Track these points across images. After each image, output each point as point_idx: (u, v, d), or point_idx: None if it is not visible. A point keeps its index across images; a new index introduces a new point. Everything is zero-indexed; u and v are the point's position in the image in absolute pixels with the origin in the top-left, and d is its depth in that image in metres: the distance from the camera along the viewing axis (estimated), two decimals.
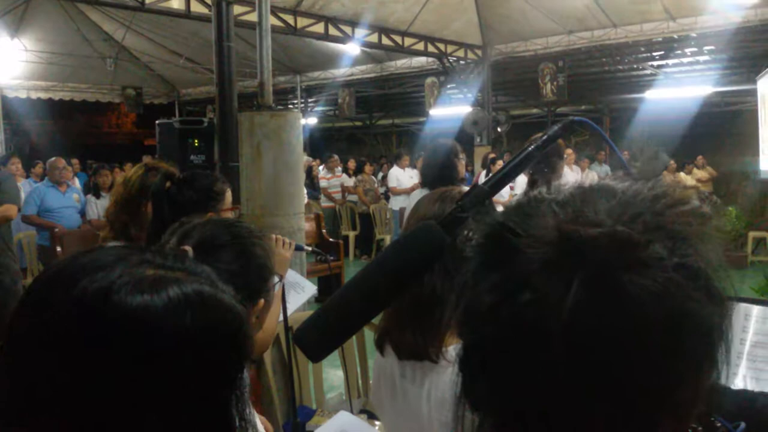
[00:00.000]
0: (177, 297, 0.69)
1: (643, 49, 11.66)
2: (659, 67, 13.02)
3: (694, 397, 0.52)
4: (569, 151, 9.53)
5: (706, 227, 0.54)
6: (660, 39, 10.65)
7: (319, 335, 0.91)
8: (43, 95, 14.16)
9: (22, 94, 13.75)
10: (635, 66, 12.95)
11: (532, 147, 1.03)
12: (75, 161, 10.91)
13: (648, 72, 13.24)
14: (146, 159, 11.66)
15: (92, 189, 7.94)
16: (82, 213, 7.34)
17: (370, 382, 3.26)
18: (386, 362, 1.52)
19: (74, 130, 22.27)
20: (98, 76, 13.99)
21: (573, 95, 13.29)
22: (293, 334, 1.07)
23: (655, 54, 12.17)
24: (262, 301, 1.42)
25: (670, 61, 12.61)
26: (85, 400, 0.64)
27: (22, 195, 7.30)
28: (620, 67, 12.95)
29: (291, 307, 2.62)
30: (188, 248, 1.29)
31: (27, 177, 8.95)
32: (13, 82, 13.18)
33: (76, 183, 8.75)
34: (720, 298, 0.53)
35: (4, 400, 0.68)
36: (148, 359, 0.66)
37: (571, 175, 8.74)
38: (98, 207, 7.60)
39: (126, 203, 2.49)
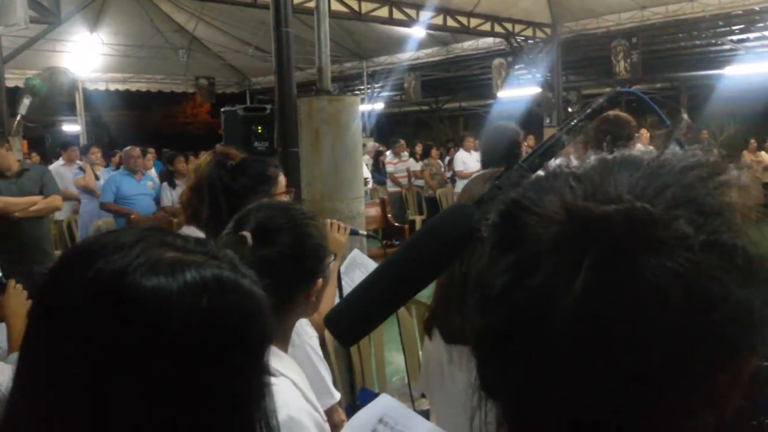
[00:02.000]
0: (194, 280, 0.68)
1: (721, 23, 11.10)
2: (739, 41, 12.39)
3: (731, 384, 0.48)
4: (643, 130, 9.20)
5: (744, 199, 0.50)
6: (740, 12, 10.12)
7: (350, 319, 0.90)
8: (121, 87, 14.66)
9: (101, 87, 14.27)
10: (713, 41, 12.37)
11: (576, 121, 0.99)
12: (151, 150, 11.27)
13: (727, 47, 12.63)
14: (219, 148, 11.92)
15: (167, 177, 8.20)
16: (157, 200, 7.58)
17: None
18: (434, 347, 1.51)
19: (151, 120, 23.08)
20: (172, 67, 14.38)
21: (647, 73, 12.83)
22: (324, 317, 1.07)
23: (734, 28, 11.58)
24: (320, 280, 1.43)
25: (750, 35, 11.98)
26: (98, 381, 0.65)
27: (102, 183, 7.63)
28: (697, 42, 12.41)
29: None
30: (247, 234, 1.30)
31: (106, 166, 9.31)
32: (92, 75, 13.69)
33: (153, 172, 9.04)
34: (765, 276, 0.47)
35: (27, 379, 0.69)
36: (162, 342, 0.66)
37: None
38: (172, 194, 7.83)
39: (197, 189, 2.56)
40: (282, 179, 2.42)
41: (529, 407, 0.51)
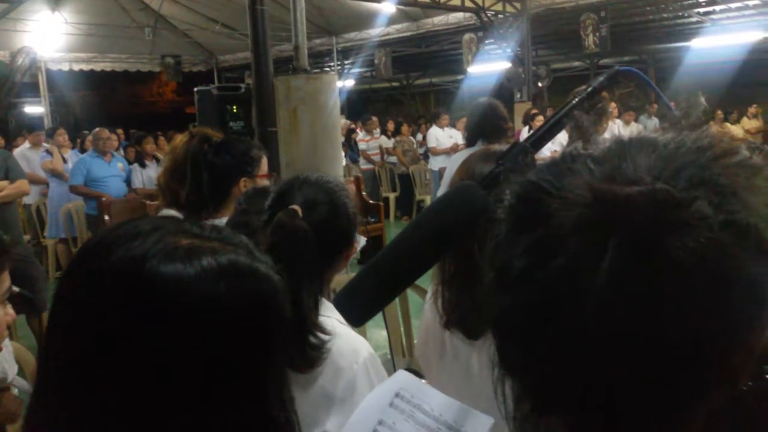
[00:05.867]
0: (210, 266, 0.69)
1: None
2: (706, 14, 12.51)
3: (746, 358, 0.49)
4: (613, 104, 9.27)
5: (756, 179, 0.51)
6: None
7: (360, 300, 0.91)
8: (85, 67, 14.31)
9: (65, 67, 13.93)
10: (680, 14, 12.46)
11: (576, 100, 1.00)
12: (120, 131, 11.06)
13: (694, 19, 12.73)
14: (194, 128, 11.76)
15: (136, 158, 8.07)
16: (128, 182, 7.47)
17: (415, 341, 3.28)
18: (434, 318, 1.52)
19: (117, 101, 22.62)
20: (137, 46, 14.08)
21: (616, 46, 12.88)
22: (333, 299, 1.10)
23: (701, 0, 11.69)
24: (356, 243, 1.59)
25: (717, 8, 12.10)
26: (118, 367, 0.66)
27: (69, 166, 7.48)
28: (665, 15, 12.48)
29: None
30: (297, 207, 1.44)
31: (73, 148, 9.13)
32: (56, 55, 13.35)
33: (122, 152, 8.89)
34: None
35: (47, 366, 0.71)
36: (180, 327, 0.67)
37: (614, 129, 8.53)
38: (143, 175, 7.73)
39: (174, 171, 2.53)
40: (264, 162, 2.41)
41: (552, 384, 0.52)
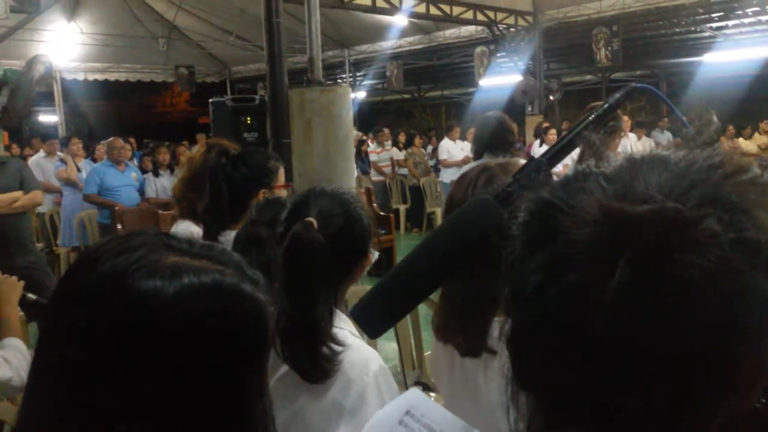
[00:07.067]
0: (191, 285, 0.70)
1: (701, 10, 11.17)
2: (718, 29, 12.48)
3: (756, 373, 0.50)
4: (625, 118, 9.25)
5: (767, 196, 0.51)
6: None
7: (377, 312, 0.92)
8: (99, 77, 14.42)
9: (80, 77, 14.04)
10: (693, 28, 12.45)
11: (593, 116, 1.01)
12: (132, 140, 11.14)
13: (706, 34, 12.71)
14: (200, 138, 11.85)
15: (152, 167, 8.12)
16: (141, 191, 7.51)
17: (425, 354, 3.28)
18: None
19: (130, 110, 22.79)
20: (151, 57, 14.19)
21: (628, 60, 12.86)
22: (350, 311, 1.12)
23: (714, 15, 11.66)
24: (371, 255, 1.58)
25: (730, 23, 12.07)
26: (95, 376, 0.68)
27: (83, 175, 7.53)
28: (677, 30, 12.46)
29: None
30: (313, 219, 1.44)
31: (86, 157, 9.20)
32: (71, 65, 13.47)
33: (135, 162, 8.96)
34: None
35: (39, 378, 0.72)
36: (157, 342, 0.68)
37: (627, 145, 8.50)
38: (157, 185, 7.77)
39: (191, 181, 2.55)
40: (281, 173, 2.43)
41: (564, 398, 0.52)
